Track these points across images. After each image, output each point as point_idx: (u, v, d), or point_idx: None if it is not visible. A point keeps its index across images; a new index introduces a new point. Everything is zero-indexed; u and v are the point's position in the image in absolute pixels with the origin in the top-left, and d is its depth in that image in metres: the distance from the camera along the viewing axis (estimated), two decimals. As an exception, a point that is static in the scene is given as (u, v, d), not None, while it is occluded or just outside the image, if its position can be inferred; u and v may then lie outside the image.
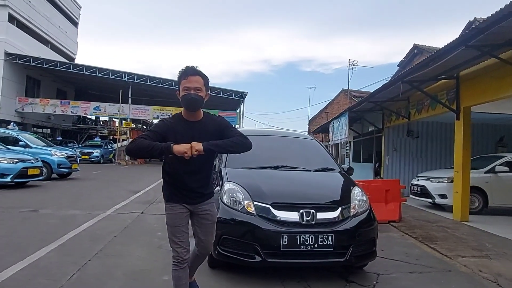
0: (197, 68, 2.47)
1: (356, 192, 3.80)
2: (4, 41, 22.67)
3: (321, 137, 26.03)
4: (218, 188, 3.78)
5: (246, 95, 27.66)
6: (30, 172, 9.72)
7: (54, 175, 12.19)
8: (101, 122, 39.52)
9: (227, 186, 3.67)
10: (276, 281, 3.49)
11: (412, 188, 9.70)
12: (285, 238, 3.23)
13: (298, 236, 3.25)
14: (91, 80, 27.21)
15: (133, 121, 31.14)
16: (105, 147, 25.68)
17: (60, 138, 28.16)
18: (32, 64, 23.73)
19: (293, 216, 3.34)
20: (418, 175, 10.09)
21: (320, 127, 23.14)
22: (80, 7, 34.37)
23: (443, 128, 12.31)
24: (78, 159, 13.55)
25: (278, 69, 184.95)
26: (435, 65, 6.19)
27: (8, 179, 9.19)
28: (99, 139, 27.91)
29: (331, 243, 3.29)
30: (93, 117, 36.62)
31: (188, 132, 2.41)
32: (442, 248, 5.08)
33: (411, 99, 10.26)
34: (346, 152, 18.88)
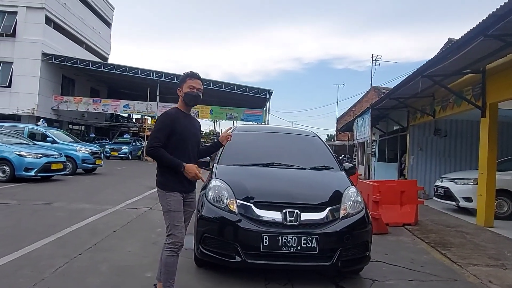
0: (199, 75, 3.00)
1: (350, 192, 3.57)
2: (42, 42, 23.84)
3: (348, 136, 25.36)
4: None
5: (272, 92, 27.43)
6: (54, 166, 10.13)
7: (79, 170, 12.65)
8: (134, 120, 40.83)
9: (213, 183, 3.56)
10: (260, 283, 3.35)
11: (435, 190, 9.17)
12: (266, 238, 3.08)
13: (280, 237, 3.08)
14: (121, 79, 28.06)
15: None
16: (134, 144, 26.42)
17: (93, 135, 29.30)
18: (67, 64, 24.79)
19: (275, 215, 3.18)
20: (442, 176, 9.52)
21: (345, 126, 22.52)
22: (113, 8, 35.54)
23: (473, 127, 11.52)
24: (102, 155, 13.97)
25: (310, 67, 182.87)
26: (454, 58, 5.75)
27: (32, 173, 9.62)
28: (128, 136, 28.72)
29: (315, 246, 3.10)
30: (126, 115, 37.90)
31: (187, 123, 2.90)
32: (454, 255, 4.72)
33: (436, 95, 9.69)
34: (372, 152, 18.25)
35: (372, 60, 23.92)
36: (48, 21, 24.73)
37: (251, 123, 24.83)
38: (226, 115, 28.57)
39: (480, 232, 6.32)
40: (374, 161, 17.47)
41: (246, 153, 4.27)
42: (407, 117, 12.36)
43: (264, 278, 3.44)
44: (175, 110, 2.93)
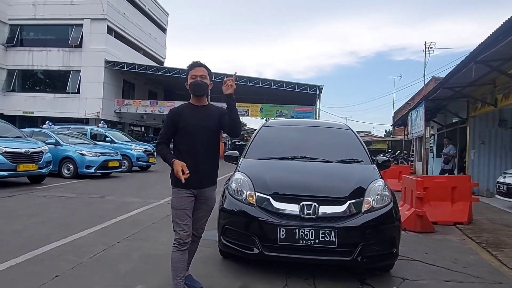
0: (203, 63, 2.89)
1: (377, 186, 3.40)
2: (104, 51, 25.85)
3: (404, 131, 23.96)
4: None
5: (322, 88, 26.90)
6: (110, 164, 10.96)
7: (135, 168, 13.55)
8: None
9: (235, 176, 3.62)
10: (281, 276, 3.33)
11: (497, 187, 8.34)
12: (283, 231, 3.05)
13: (297, 230, 3.04)
14: (175, 81, 29.35)
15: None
16: (188, 142, 27.52)
17: (152, 135, 31.12)
18: (127, 69, 26.61)
19: (293, 208, 3.14)
20: (505, 171, 8.62)
21: (399, 120, 21.28)
22: (168, 14, 37.34)
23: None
24: (155, 153, 14.79)
25: (366, 60, 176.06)
26: (508, 40, 5.17)
27: (92, 170, 10.51)
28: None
29: (334, 240, 3.01)
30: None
31: (194, 115, 2.77)
32: (506, 256, 4.27)
33: (497, 82, 8.80)
34: (430, 147, 17.08)
35: (425, 48, 21.91)
36: (110, 30, 26.69)
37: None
38: (276, 113, 28.57)
39: (546, 233, 5.63)
40: (432, 157, 16.35)
41: (272, 147, 4.26)
42: (466, 107, 11.39)
43: (286, 272, 3.42)
44: (183, 105, 2.88)
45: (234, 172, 3.74)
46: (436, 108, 13.81)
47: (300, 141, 4.38)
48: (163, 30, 36.70)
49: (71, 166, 10.51)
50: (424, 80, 20.00)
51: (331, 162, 3.90)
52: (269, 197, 3.23)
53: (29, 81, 27.40)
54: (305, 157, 3.97)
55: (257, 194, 3.30)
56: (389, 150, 29.23)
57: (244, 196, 3.36)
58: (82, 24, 25.80)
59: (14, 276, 3.10)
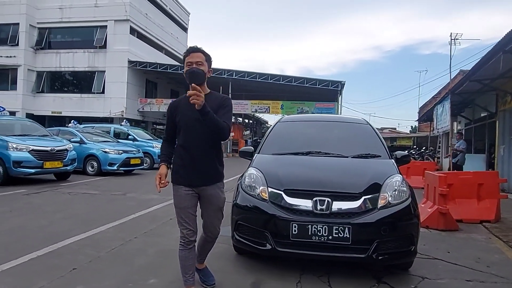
0: (200, 48, 2.61)
1: (394, 181, 3.29)
2: (128, 51, 26.45)
3: (430, 126, 23.22)
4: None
5: (344, 84, 26.47)
6: (132, 161, 11.21)
7: (156, 165, 13.78)
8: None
9: (248, 171, 3.59)
10: (295, 273, 3.28)
11: (528, 184, 7.95)
12: (295, 227, 3.00)
13: (310, 226, 2.98)
14: (197, 80, 29.72)
15: (233, 115, 32.90)
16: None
17: (174, 133, 31.61)
18: (149, 69, 27.14)
19: (305, 204, 3.08)
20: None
21: (424, 115, 20.62)
22: (189, 13, 37.76)
23: None
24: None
25: (391, 55, 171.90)
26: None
27: (115, 167, 10.79)
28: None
29: (348, 236, 2.93)
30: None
31: (191, 107, 2.39)
32: (535, 256, 4.04)
33: (528, 74, 8.36)
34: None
35: (451, 39, 20.74)
36: (133, 31, 27.26)
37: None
38: (297, 110, 28.34)
39: None
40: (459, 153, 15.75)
41: (287, 142, 4.22)
42: (495, 101, 10.90)
43: (300, 268, 3.37)
44: (181, 97, 2.67)
45: (248, 168, 3.72)
46: (463, 102, 13.30)
47: (315, 136, 4.32)
48: (185, 29, 37.13)
49: (95, 164, 10.82)
50: (450, 73, 19.00)
51: (347, 157, 3.81)
52: (282, 193, 3.19)
53: (57, 82, 28.40)
54: (320, 152, 3.89)
55: (270, 189, 3.26)
56: (414, 147, 28.41)
57: (257, 192, 3.32)
58: (106, 26, 26.47)
59: (35, 268, 3.21)
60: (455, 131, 16.21)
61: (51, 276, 3.01)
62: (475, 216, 5.91)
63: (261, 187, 3.32)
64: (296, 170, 3.50)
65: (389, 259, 3.07)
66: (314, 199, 3.06)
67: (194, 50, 2.56)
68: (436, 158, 19.67)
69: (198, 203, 2.69)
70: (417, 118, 33.41)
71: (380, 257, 2.99)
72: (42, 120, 25.12)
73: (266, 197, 3.25)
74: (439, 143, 22.39)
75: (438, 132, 15.62)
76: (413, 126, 47.64)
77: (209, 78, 2.64)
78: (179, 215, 2.60)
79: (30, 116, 25.48)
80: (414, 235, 3.15)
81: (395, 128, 56.05)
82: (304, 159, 3.77)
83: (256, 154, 4.06)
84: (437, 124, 14.73)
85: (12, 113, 19.44)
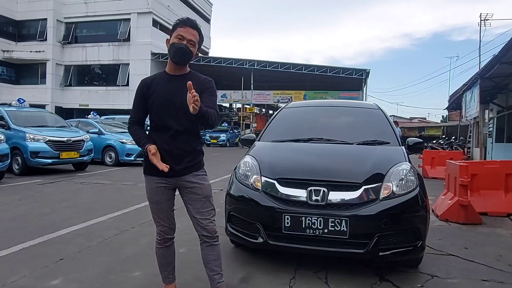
0: (198, 25, 2.25)
1: (400, 169, 2.96)
2: (150, 43, 26.74)
3: (459, 115, 22.01)
4: None
5: (369, 72, 25.62)
6: (148, 152, 11.23)
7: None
8: (235, 109, 42.90)
9: (243, 159, 3.37)
10: (290, 268, 3.05)
11: None
12: (288, 219, 2.75)
13: (303, 218, 2.72)
14: (219, 70, 29.61)
15: (257, 105, 32.65)
16: (231, 131, 27.78)
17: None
18: (172, 60, 27.36)
19: (299, 194, 2.82)
20: None
21: (453, 103, 19.53)
22: (211, 4, 37.64)
23: None
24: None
25: (421, 42, 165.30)
26: None
27: (132, 158, 10.86)
28: (226, 125, 30.27)
29: (345, 230, 2.66)
30: (227, 105, 40.00)
31: (167, 87, 2.17)
32: None
33: None
34: (489, 131, 15.50)
35: (480, 20, 19.09)
36: (155, 23, 27.50)
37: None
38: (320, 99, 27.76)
39: None
40: (491, 142, 14.83)
41: (290, 129, 3.96)
42: (531, 86, 10.08)
43: (296, 263, 3.14)
44: (156, 74, 2.31)
45: (244, 156, 3.49)
46: (496, 87, 12.40)
47: (321, 122, 4.03)
48: (207, 20, 37.06)
49: (113, 154, 10.94)
50: (479, 57, 17.68)
51: (351, 144, 3.50)
52: (275, 182, 2.95)
53: (84, 75, 29.19)
54: (322, 139, 3.61)
55: (263, 178, 3.02)
56: (443, 136, 27.14)
57: (250, 181, 3.10)
58: (130, 19, 26.84)
59: (22, 257, 3.16)
60: (486, 120, 15.24)
61: (34, 267, 2.94)
62: (502, 209, 5.42)
63: (255, 176, 3.09)
64: (292, 157, 3.24)
65: (391, 255, 2.76)
66: (309, 189, 2.80)
67: (193, 25, 2.18)
68: (466, 148, 18.66)
69: (183, 200, 2.37)
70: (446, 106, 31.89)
71: (381, 253, 2.69)
72: (71, 113, 25.96)
73: (259, 186, 3.01)
74: (470, 132, 21.22)
75: (467, 120, 14.70)
76: (444, 116, 45.61)
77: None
78: (152, 211, 2.35)
79: (59, 109, 26.40)
80: (421, 229, 2.82)
81: (425, 118, 53.96)
82: (303, 146, 3.50)
83: (256, 142, 3.84)
84: (466, 111, 13.87)
85: (42, 106, 20.15)
